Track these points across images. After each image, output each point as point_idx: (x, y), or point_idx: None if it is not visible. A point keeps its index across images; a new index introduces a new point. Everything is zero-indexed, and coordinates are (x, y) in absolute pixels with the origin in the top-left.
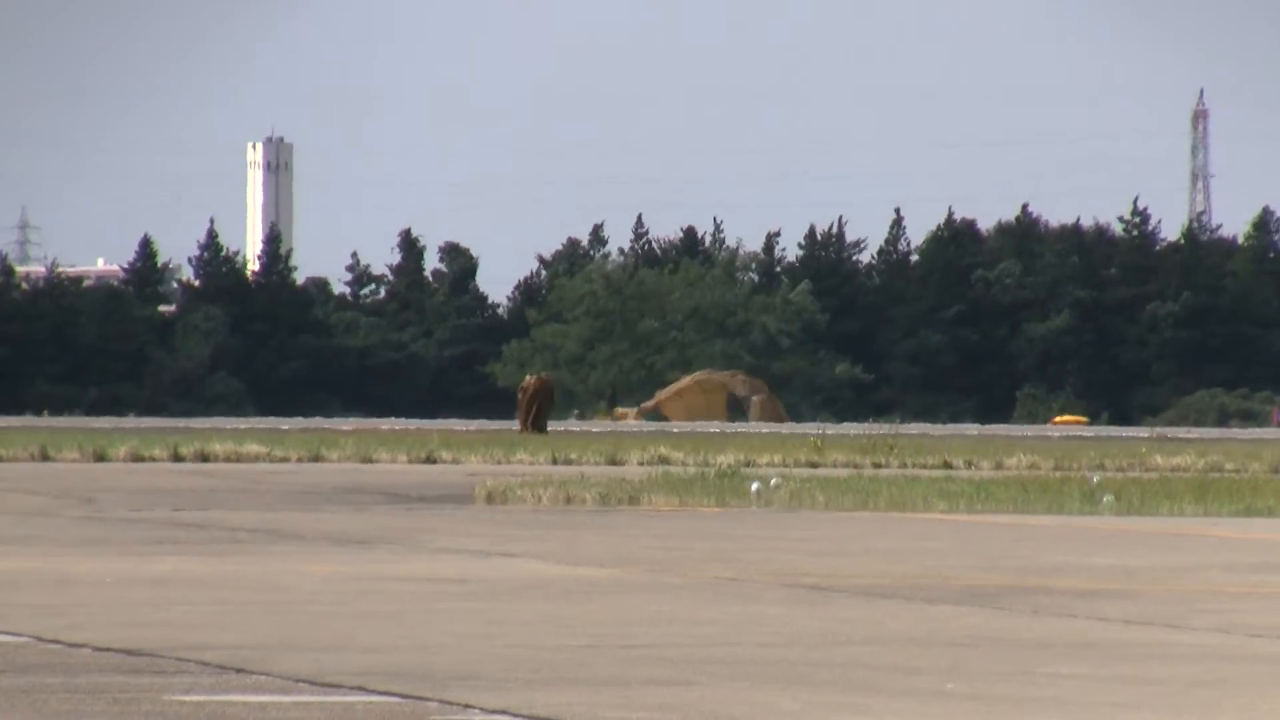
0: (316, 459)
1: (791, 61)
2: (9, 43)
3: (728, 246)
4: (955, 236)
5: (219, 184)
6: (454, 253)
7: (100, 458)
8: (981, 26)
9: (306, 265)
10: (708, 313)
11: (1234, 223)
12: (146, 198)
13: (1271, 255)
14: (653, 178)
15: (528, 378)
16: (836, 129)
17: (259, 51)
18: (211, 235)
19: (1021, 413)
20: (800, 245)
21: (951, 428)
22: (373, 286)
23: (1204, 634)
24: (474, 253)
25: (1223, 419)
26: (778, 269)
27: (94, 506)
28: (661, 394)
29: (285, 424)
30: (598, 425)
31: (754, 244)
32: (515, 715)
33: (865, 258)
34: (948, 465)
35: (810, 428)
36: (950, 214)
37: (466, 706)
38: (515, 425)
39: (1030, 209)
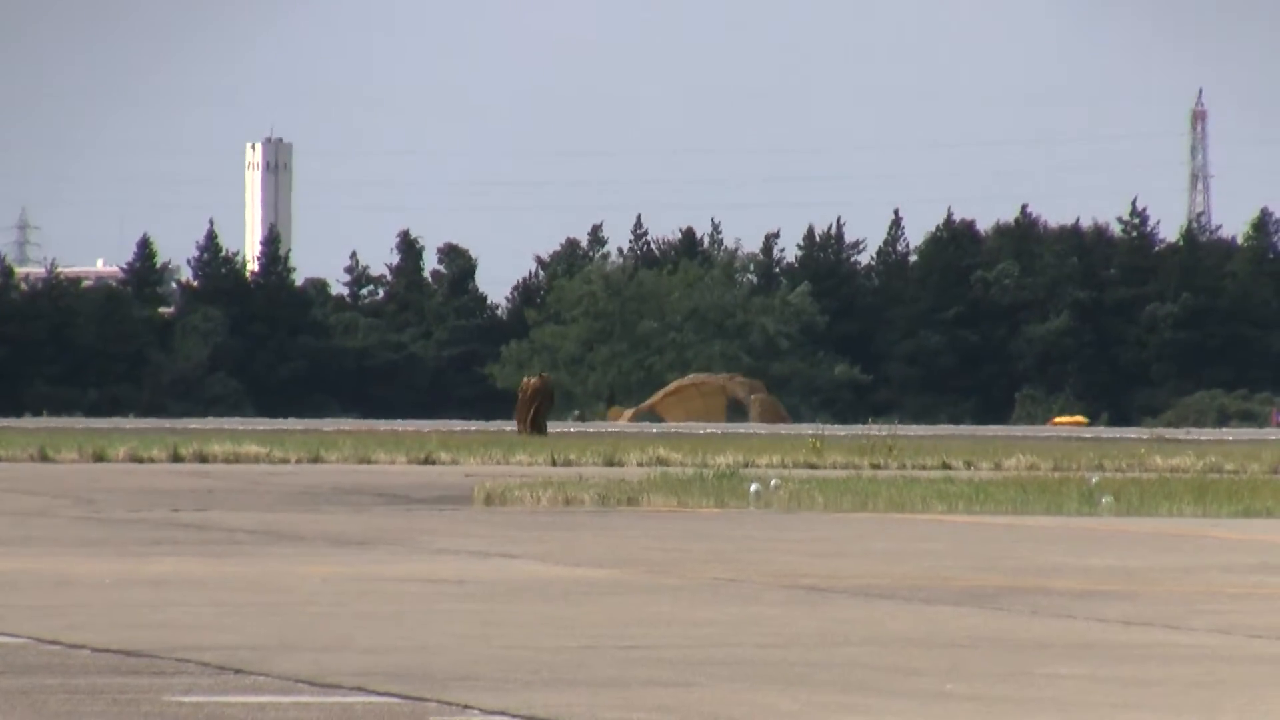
0: (315, 460)
1: (791, 61)
2: (10, 43)
3: (726, 247)
4: (954, 237)
5: (218, 184)
6: (453, 253)
7: (99, 458)
8: (981, 27)
9: (305, 266)
10: (707, 314)
11: (1233, 223)
12: (146, 198)
13: (1271, 256)
14: (652, 178)
15: (526, 379)
16: (836, 129)
17: (258, 52)
18: (210, 236)
19: (1020, 414)
20: (799, 246)
21: (946, 428)
22: (371, 287)
23: (1203, 635)
24: (473, 253)
25: (1222, 420)
26: (776, 270)
27: (93, 507)
28: (653, 397)
29: (284, 425)
30: (598, 426)
31: (753, 245)
32: (514, 716)
33: (864, 259)
34: (947, 466)
35: (808, 428)
36: (949, 215)
37: (465, 707)
38: (514, 426)
39: (1029, 210)
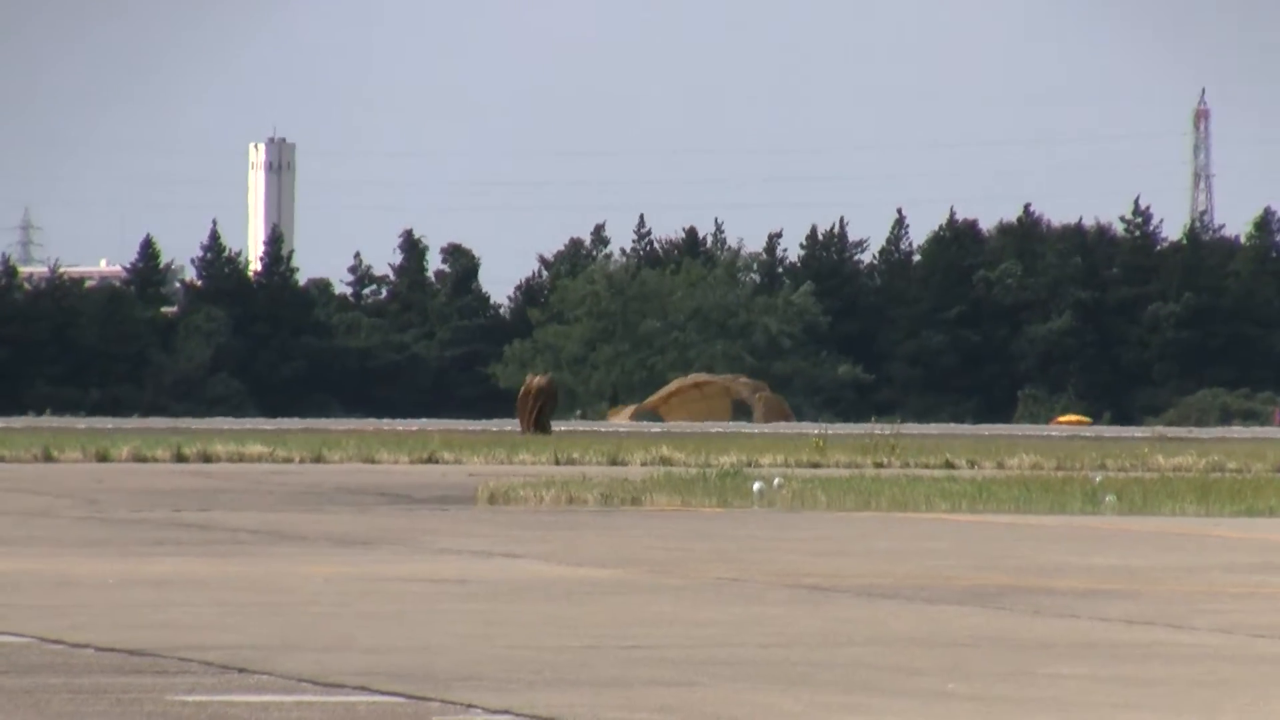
0: (318, 459)
1: (791, 61)
2: (11, 43)
3: (729, 247)
4: (957, 237)
5: (221, 185)
6: (456, 253)
7: (102, 458)
8: (982, 27)
9: (308, 266)
10: (709, 313)
11: (1236, 223)
12: (149, 198)
13: (1273, 255)
14: (654, 178)
15: (530, 378)
16: (837, 129)
17: (261, 52)
18: (213, 236)
19: (1023, 413)
20: (802, 246)
21: (949, 427)
22: (374, 287)
23: (1205, 634)
24: (476, 253)
25: (1225, 419)
26: (779, 270)
27: (96, 507)
28: (654, 396)
29: (286, 424)
30: (602, 425)
31: (756, 244)
32: (517, 715)
33: (867, 258)
34: (950, 465)
35: (812, 428)
36: (952, 214)
37: (469, 707)
38: (516, 426)
39: (1032, 209)
